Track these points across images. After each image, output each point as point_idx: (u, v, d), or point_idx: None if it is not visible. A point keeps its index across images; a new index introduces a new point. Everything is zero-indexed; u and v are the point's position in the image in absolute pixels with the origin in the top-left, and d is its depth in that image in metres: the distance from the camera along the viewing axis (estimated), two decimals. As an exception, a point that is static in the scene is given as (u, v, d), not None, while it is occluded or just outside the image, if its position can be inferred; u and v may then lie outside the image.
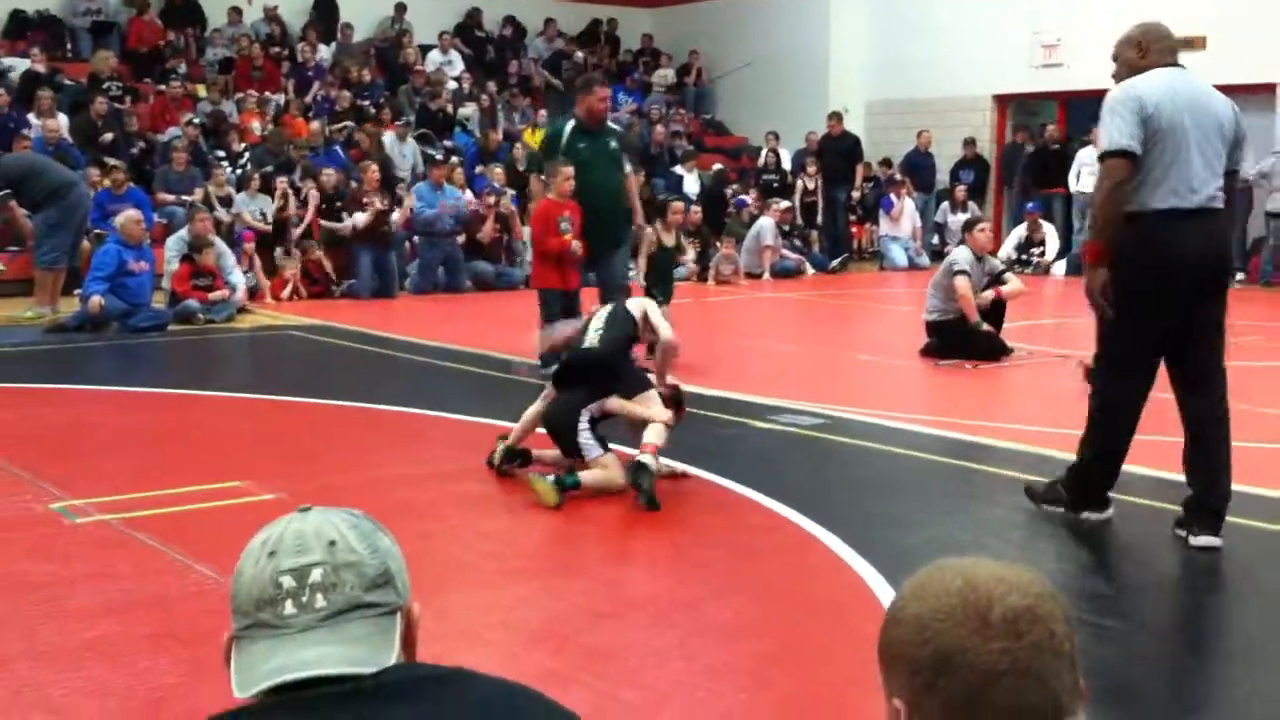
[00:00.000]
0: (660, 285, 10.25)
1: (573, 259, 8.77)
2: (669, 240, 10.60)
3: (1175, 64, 5.09)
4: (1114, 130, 4.87)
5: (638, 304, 6.41)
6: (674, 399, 6.08)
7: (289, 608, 1.45)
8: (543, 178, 9.07)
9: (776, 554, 5.01)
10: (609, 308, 6.39)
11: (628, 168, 9.42)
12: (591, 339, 6.10)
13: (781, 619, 4.31)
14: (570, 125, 9.23)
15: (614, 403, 5.84)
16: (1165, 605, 4.78)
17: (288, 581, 1.45)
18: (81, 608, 4.26)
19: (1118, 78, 5.12)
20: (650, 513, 5.43)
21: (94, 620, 4.15)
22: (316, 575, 1.46)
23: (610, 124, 9.71)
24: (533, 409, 6.16)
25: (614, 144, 9.32)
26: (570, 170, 8.69)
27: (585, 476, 5.67)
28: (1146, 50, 5.09)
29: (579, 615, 4.29)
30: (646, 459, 5.54)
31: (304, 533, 1.49)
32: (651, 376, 6.21)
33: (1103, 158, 4.99)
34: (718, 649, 4.01)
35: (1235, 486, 5.09)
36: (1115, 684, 3.68)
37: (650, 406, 5.85)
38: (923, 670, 1.34)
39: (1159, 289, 4.91)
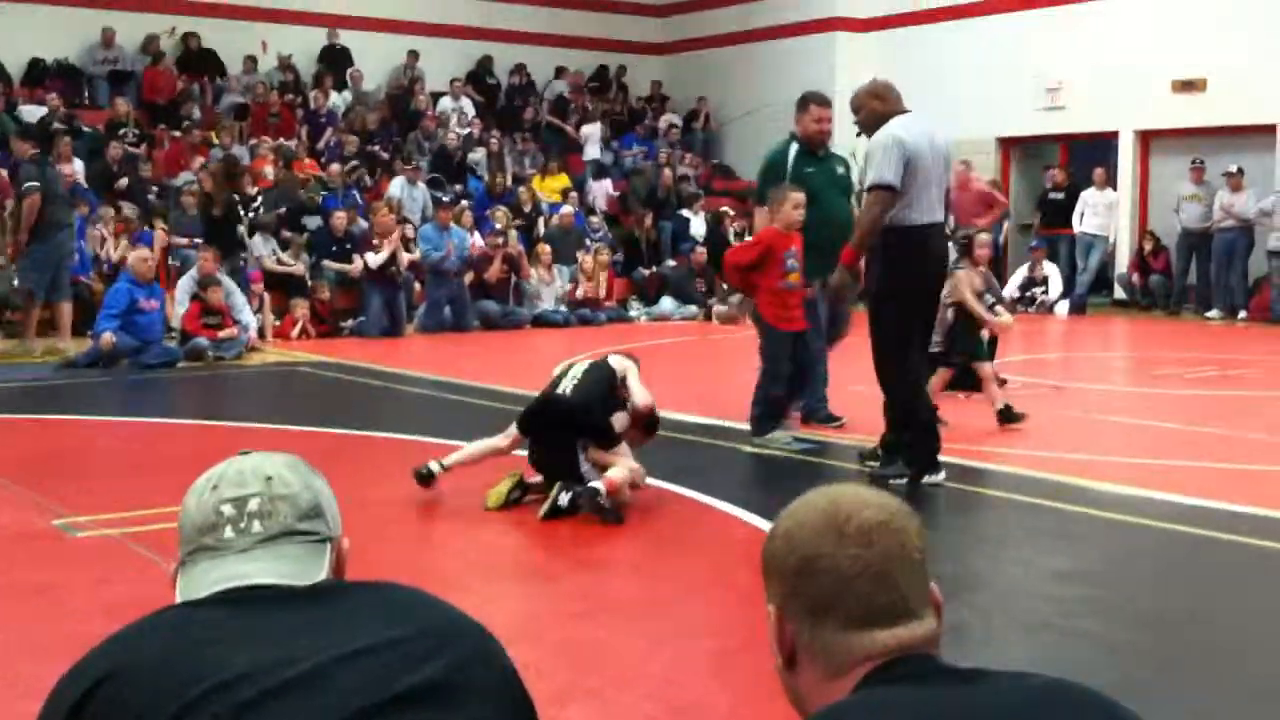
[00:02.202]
0: (974, 336, 8.56)
1: (802, 299, 7.78)
2: (979, 283, 8.65)
3: (907, 110, 6.36)
4: (883, 167, 6.08)
5: (620, 362, 6.32)
6: (647, 426, 6.24)
7: (228, 532, 1.64)
8: (766, 206, 7.85)
9: (748, 562, 5.15)
10: (588, 362, 6.33)
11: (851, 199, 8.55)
12: (566, 386, 6.10)
13: (747, 619, 4.47)
14: (794, 149, 8.19)
15: (592, 454, 5.96)
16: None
17: (228, 510, 1.65)
18: (79, 608, 4.46)
19: (864, 124, 6.40)
20: (626, 525, 5.65)
21: (90, 618, 4.32)
22: (254, 505, 1.65)
23: (832, 148, 8.54)
24: (487, 444, 6.26)
25: (841, 170, 8.37)
26: (802, 197, 7.54)
27: (608, 479, 5.78)
28: (887, 99, 6.37)
29: (553, 615, 4.48)
30: (598, 485, 5.72)
31: (244, 469, 1.69)
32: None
33: (871, 189, 6.17)
34: (682, 644, 4.18)
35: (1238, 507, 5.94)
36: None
37: (619, 459, 5.96)
38: (789, 576, 1.53)
39: (921, 282, 6.37)
